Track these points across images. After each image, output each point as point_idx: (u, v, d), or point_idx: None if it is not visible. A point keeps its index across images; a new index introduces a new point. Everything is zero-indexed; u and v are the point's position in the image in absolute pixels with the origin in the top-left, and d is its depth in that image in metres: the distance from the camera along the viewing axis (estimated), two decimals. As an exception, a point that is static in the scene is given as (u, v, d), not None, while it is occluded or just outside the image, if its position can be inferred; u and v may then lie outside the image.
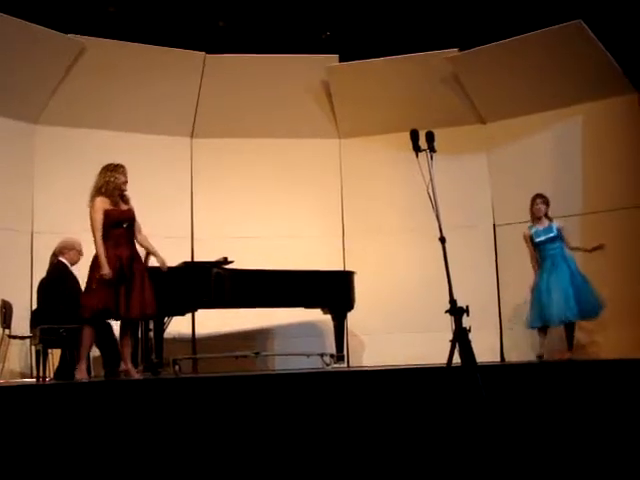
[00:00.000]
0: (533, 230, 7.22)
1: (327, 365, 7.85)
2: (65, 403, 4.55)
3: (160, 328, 6.74)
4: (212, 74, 8.66)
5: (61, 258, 7.04)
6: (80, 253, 7.11)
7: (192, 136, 9.00)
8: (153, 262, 6.61)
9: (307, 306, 7.53)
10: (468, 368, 4.37)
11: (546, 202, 7.29)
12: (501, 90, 8.49)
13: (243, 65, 8.65)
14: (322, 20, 8.68)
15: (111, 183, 6.01)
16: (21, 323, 7.34)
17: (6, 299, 7.41)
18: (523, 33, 7.99)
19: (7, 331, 7.33)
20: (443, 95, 8.63)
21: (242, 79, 8.72)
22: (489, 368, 5.93)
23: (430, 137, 4.95)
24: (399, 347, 8.11)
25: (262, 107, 8.90)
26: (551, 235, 7.14)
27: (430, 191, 4.78)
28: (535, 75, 8.19)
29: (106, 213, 5.92)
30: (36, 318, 6.92)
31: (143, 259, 6.15)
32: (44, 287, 7.00)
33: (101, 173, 6.10)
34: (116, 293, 5.79)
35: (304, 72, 8.77)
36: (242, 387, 5.20)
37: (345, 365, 7.85)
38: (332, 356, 7.69)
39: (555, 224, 7.22)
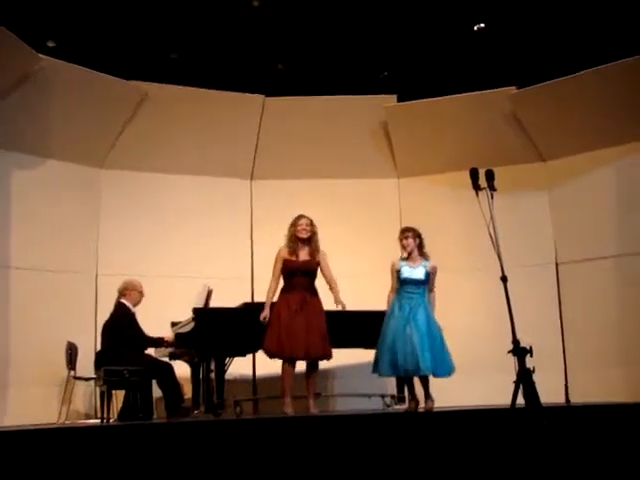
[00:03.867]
0: (402, 264, 6.50)
1: (388, 406, 7.80)
2: (129, 444, 4.60)
3: (221, 369, 6.78)
4: (271, 116, 8.81)
5: (122, 299, 7.18)
6: (141, 294, 7.24)
7: (252, 178, 9.15)
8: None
9: (367, 346, 7.50)
10: (532, 410, 4.29)
11: (416, 236, 6.53)
12: (561, 127, 8.42)
13: (302, 107, 8.79)
14: (380, 60, 8.76)
15: (288, 234, 6.45)
16: (86, 364, 7.47)
17: (72, 340, 7.58)
18: (582, 69, 7.95)
19: (72, 372, 7.49)
20: (502, 133, 8.61)
21: (301, 120, 8.85)
22: (554, 410, 5.81)
23: (490, 175, 4.95)
24: (462, 388, 7.98)
25: (321, 148, 9.00)
26: (417, 278, 6.46)
27: (491, 230, 4.76)
28: (595, 111, 8.11)
29: (285, 262, 6.34)
30: (100, 359, 7.04)
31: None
32: (107, 329, 7.13)
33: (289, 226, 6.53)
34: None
35: (362, 113, 8.86)
36: (303, 428, 5.18)
37: (406, 406, 7.77)
38: (393, 397, 7.63)
39: (427, 266, 6.50)
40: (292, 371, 6.22)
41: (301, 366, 6.40)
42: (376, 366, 6.51)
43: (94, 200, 8.53)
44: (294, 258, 6.34)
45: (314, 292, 6.38)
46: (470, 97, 8.49)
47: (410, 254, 6.56)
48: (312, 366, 6.35)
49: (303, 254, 6.39)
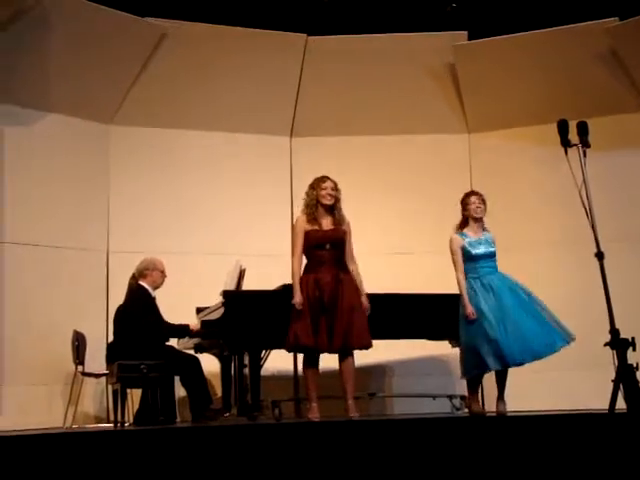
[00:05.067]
0: (466, 239, 6.59)
1: (457, 410, 7.78)
2: (147, 452, 4.65)
3: (256, 364, 6.81)
4: (315, 59, 8.76)
5: (141, 281, 7.25)
6: (164, 275, 7.31)
7: (291, 135, 9.15)
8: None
9: (432, 337, 7.48)
10: (636, 415, 4.25)
11: (485, 201, 6.67)
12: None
13: (351, 47, 8.73)
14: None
15: (310, 199, 6.38)
16: (96, 358, 7.58)
17: (79, 330, 7.67)
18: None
19: (80, 367, 7.58)
20: (598, 76, 8.47)
21: (350, 64, 8.79)
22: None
23: (583, 129, 4.88)
24: (547, 388, 7.95)
25: (374, 98, 8.95)
26: (491, 250, 6.58)
27: (584, 195, 4.70)
28: None
29: (307, 233, 6.30)
30: (113, 352, 7.14)
31: None
32: (122, 316, 7.22)
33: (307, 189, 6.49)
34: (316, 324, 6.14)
35: (424, 54, 8.79)
36: (353, 434, 5.19)
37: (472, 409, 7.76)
38: (463, 398, 7.60)
39: (490, 235, 6.67)
40: (317, 369, 6.22)
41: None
42: (473, 365, 6.46)
43: (103, 162, 8.60)
44: (317, 227, 6.30)
45: (346, 268, 6.32)
46: (558, 32, 8.35)
47: (475, 222, 6.63)
48: (347, 355, 6.23)
49: (326, 223, 6.34)
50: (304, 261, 6.34)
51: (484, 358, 6.34)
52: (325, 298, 6.11)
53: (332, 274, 6.19)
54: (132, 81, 8.51)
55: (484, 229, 6.68)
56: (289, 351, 6.33)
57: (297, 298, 6.13)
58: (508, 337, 6.28)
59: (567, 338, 6.38)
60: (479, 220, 6.64)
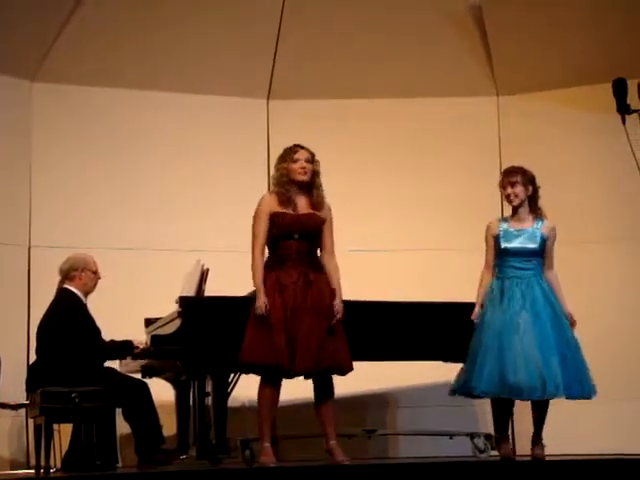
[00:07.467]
0: (502, 227, 6.60)
1: (480, 452, 7.82)
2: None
3: (223, 392, 6.83)
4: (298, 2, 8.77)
5: (68, 285, 7.24)
6: (96, 276, 7.29)
7: (269, 97, 9.19)
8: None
9: (447, 358, 7.52)
10: None
11: (528, 182, 6.55)
12: None
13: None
14: None
15: (280, 175, 6.35)
16: (14, 384, 7.55)
17: (-9, 348, 7.68)
18: None
19: (-8, 397, 7.59)
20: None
21: (343, 8, 8.82)
22: None
23: (645, 91, 4.93)
24: (598, 424, 7.99)
25: (374, 51, 8.98)
26: (531, 247, 6.53)
27: (644, 175, 4.77)
28: None
29: (272, 217, 6.25)
30: (36, 377, 7.14)
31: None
32: (45, 329, 7.21)
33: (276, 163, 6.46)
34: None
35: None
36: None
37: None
38: (488, 437, 7.66)
39: (541, 227, 6.56)
40: (276, 397, 6.20)
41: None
42: (465, 382, 6.53)
43: (22, 129, 8.61)
44: (289, 210, 6.26)
45: (318, 266, 6.31)
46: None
47: (517, 210, 6.58)
48: (325, 383, 6.23)
49: (301, 206, 6.30)
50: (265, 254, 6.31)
51: (476, 377, 6.41)
52: (288, 304, 6.08)
53: (299, 273, 6.17)
54: (60, 26, 8.46)
55: (538, 218, 6.60)
56: (241, 371, 6.30)
57: (260, 301, 6.08)
58: (520, 361, 6.29)
59: (589, 391, 6.43)
60: (519, 207, 6.56)
